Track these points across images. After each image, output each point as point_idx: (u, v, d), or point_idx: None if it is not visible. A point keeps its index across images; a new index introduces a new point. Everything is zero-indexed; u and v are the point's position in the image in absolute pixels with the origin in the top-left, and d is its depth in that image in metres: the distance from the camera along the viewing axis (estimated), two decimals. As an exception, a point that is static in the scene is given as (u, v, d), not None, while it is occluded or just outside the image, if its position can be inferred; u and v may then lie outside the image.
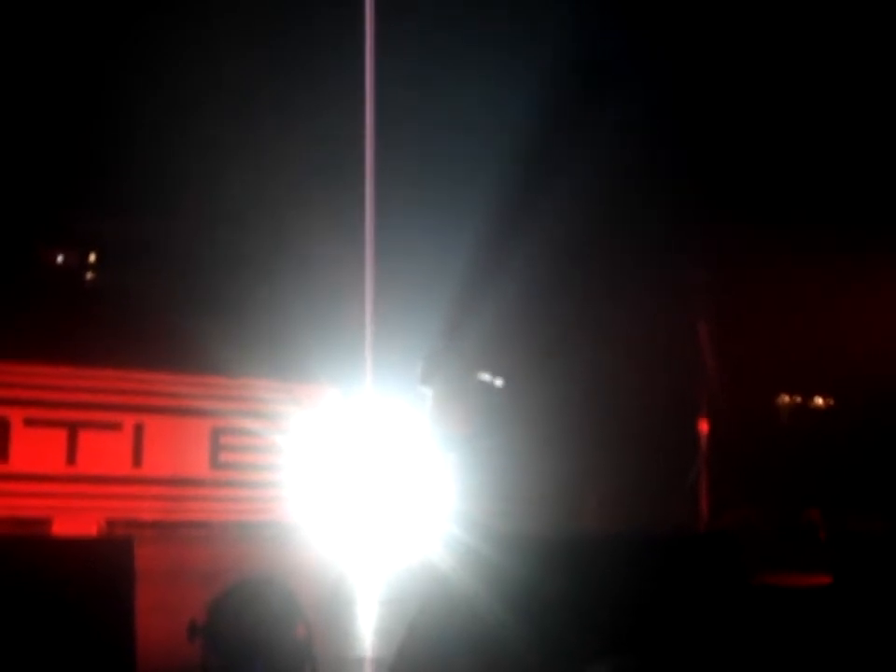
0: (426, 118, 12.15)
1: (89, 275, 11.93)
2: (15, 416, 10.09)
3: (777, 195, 12.79)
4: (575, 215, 12.16)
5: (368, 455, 11.19)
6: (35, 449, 10.13)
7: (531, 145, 11.83)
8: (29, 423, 10.15)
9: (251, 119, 11.73)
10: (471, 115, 12.10)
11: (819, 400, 13.97)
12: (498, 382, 9.88)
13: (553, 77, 11.66)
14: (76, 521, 9.98)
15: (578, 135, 12.27)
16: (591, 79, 12.32)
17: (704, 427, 11.46)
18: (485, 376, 10.08)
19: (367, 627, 6.96)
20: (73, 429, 10.33)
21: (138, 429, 10.56)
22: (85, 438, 10.37)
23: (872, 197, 12.61)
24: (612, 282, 12.75)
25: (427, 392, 10.02)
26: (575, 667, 5.04)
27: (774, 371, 13.01)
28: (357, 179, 10.76)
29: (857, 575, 6.53)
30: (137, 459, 10.55)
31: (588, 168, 12.12)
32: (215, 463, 10.85)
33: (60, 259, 11.74)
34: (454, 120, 12.03)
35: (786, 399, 13.92)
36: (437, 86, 11.87)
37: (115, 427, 10.50)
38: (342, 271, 11.44)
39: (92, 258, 11.93)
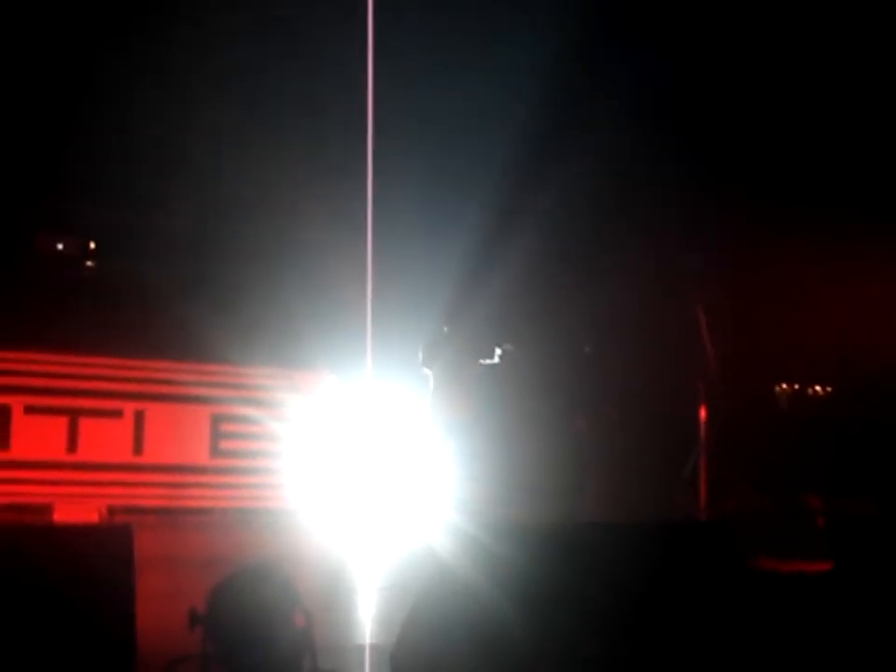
0: (426, 105, 12.14)
1: (89, 263, 11.92)
2: (16, 404, 10.11)
3: (777, 183, 12.77)
4: (574, 201, 12.16)
5: (368, 442, 11.21)
6: (36, 436, 10.15)
7: (529, 131, 11.83)
8: (30, 410, 10.16)
9: (251, 109, 11.71)
10: (471, 103, 12.09)
11: (818, 388, 13.98)
12: (497, 360, 9.90)
13: (550, 67, 11.66)
14: (76, 508, 10.00)
15: (576, 123, 12.26)
16: (588, 66, 12.30)
17: (703, 413, 11.48)
18: (486, 360, 10.10)
19: (367, 614, 6.98)
20: (74, 417, 10.34)
21: (139, 417, 10.57)
22: (86, 425, 10.38)
23: (869, 185, 12.60)
24: (612, 269, 12.74)
25: (428, 377, 10.04)
26: (574, 656, 5.06)
27: (773, 359, 13.03)
28: (358, 166, 10.74)
29: (856, 561, 6.54)
30: (138, 447, 10.57)
31: (586, 155, 12.11)
32: (215, 450, 10.86)
33: (59, 246, 11.74)
34: (454, 109, 12.02)
35: (784, 386, 13.94)
36: (438, 75, 11.85)
37: (115, 414, 10.52)
38: (341, 257, 11.43)
39: (92, 245, 11.93)
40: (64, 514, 9.88)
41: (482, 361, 10.12)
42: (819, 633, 5.94)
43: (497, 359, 9.87)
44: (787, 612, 5.96)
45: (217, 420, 10.89)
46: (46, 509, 9.98)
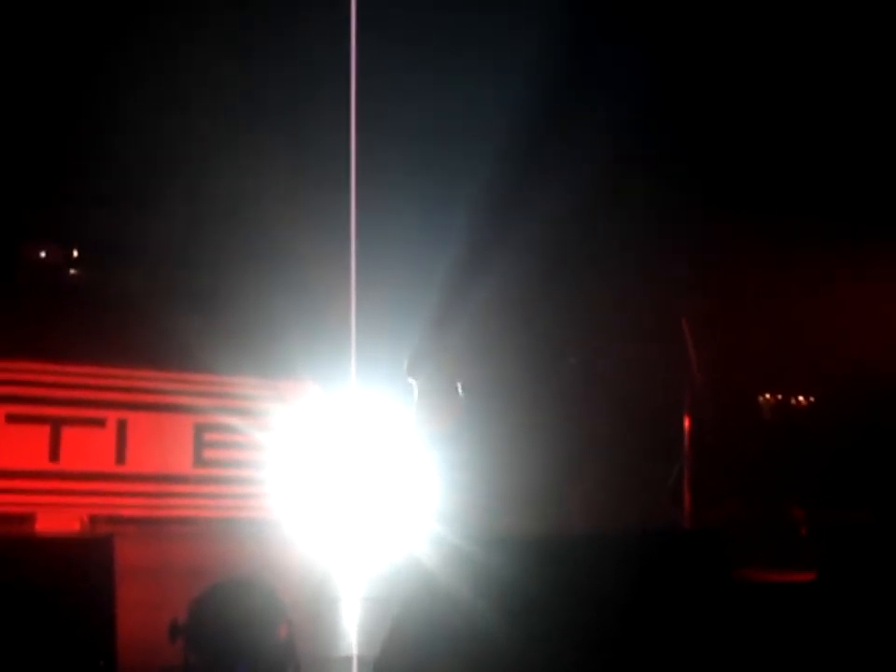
0: (412, 115, 12.14)
1: (71, 271, 11.89)
2: (-3, 412, 10.08)
3: (761, 194, 12.81)
4: (560, 213, 12.17)
5: (352, 452, 11.19)
6: (18, 445, 10.11)
7: (515, 142, 11.84)
8: (12, 419, 10.13)
9: (235, 116, 11.70)
10: (456, 113, 12.09)
11: (801, 398, 14.02)
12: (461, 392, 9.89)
13: (536, 75, 11.66)
14: (59, 518, 9.97)
15: (562, 134, 12.27)
16: (577, 76, 12.32)
17: (687, 423, 11.49)
18: (468, 372, 10.10)
19: (351, 625, 6.95)
20: (56, 426, 10.31)
21: (121, 426, 10.54)
22: (68, 434, 10.35)
23: (855, 195, 12.64)
24: (596, 279, 12.76)
25: (412, 387, 10.03)
26: (558, 667, 5.05)
27: (757, 369, 13.05)
28: (342, 174, 10.74)
29: (840, 571, 6.55)
30: (121, 456, 10.54)
31: (572, 167, 12.13)
32: (198, 460, 10.83)
33: (42, 254, 11.70)
34: (439, 119, 12.02)
35: (768, 396, 13.97)
36: (422, 85, 11.86)
37: (98, 423, 10.49)
38: (325, 266, 11.43)
39: (75, 253, 11.89)
40: (46, 524, 9.85)
41: (465, 373, 10.12)
42: (803, 642, 5.95)
43: (461, 392, 9.86)
44: (771, 622, 5.97)
45: (200, 429, 10.86)
46: (28, 518, 9.94)
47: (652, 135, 12.60)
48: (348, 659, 6.01)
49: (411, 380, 10.02)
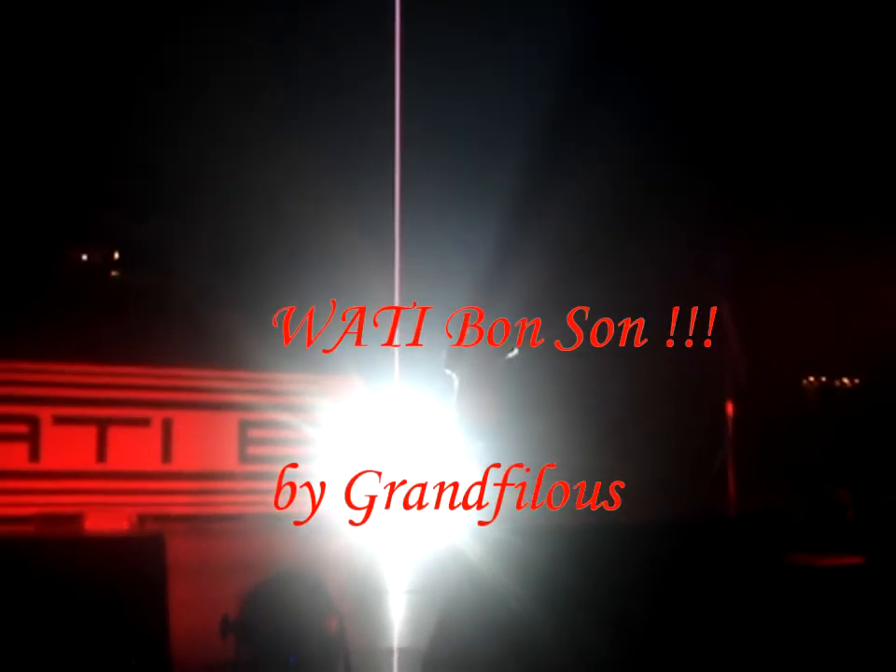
0: (451, 109, 12.15)
1: (114, 273, 11.99)
2: (44, 415, 10.19)
3: (800, 176, 12.73)
4: (599, 201, 12.15)
5: (396, 446, 11.22)
6: (66, 447, 10.23)
7: (554, 135, 11.84)
8: (58, 421, 10.24)
9: (275, 115, 11.75)
10: (495, 107, 12.10)
11: (846, 380, 13.91)
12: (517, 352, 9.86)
13: (576, 69, 11.66)
14: (108, 517, 10.07)
15: (601, 124, 12.25)
16: (613, 70, 12.30)
17: (730, 409, 11.44)
18: (511, 357, 10.08)
19: (397, 617, 6.97)
20: (102, 426, 10.42)
21: (166, 425, 10.63)
22: (114, 434, 10.45)
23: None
24: (638, 266, 12.72)
25: (454, 379, 10.04)
26: (604, 657, 5.07)
27: (800, 352, 12.97)
28: (384, 172, 10.77)
29: (888, 555, 6.52)
30: (167, 454, 10.63)
31: (611, 156, 12.11)
32: (243, 456, 10.91)
33: (84, 257, 11.80)
34: (479, 113, 12.04)
35: (812, 379, 13.88)
36: (464, 76, 11.87)
37: (144, 423, 10.59)
38: (369, 262, 11.46)
39: (117, 255, 11.99)
40: (95, 524, 9.95)
41: (507, 356, 10.11)
42: (850, 626, 5.92)
43: (516, 352, 9.83)
44: (819, 607, 5.95)
45: (244, 426, 10.94)
46: (77, 518, 10.05)
47: (703, 128, 12.57)
48: (395, 650, 6.04)
49: (450, 372, 10.04)
